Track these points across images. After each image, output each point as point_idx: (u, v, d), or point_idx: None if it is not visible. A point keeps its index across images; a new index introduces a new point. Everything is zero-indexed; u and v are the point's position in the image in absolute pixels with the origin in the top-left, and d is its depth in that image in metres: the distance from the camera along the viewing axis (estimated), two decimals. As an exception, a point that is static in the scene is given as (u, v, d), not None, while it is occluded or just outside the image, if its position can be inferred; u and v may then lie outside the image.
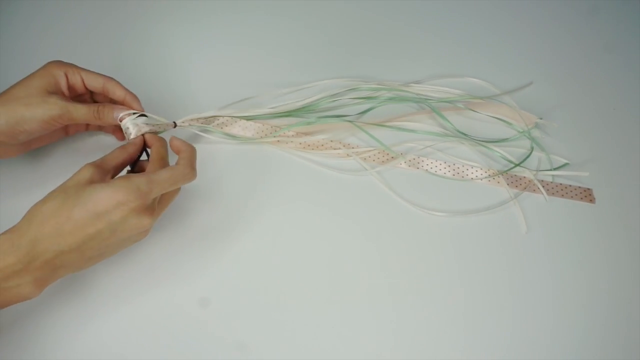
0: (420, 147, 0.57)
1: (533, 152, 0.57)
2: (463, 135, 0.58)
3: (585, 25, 0.72)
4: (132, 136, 0.45)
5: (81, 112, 0.44)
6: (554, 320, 0.46)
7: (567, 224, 0.52)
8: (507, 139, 0.58)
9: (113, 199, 0.38)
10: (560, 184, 0.55)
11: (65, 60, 0.46)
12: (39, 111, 0.43)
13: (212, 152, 0.54)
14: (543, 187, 0.54)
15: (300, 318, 0.45)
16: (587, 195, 0.54)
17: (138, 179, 0.39)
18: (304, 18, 0.69)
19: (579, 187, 0.55)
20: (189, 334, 0.43)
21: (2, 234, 0.37)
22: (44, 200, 0.38)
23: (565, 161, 0.56)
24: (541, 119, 0.59)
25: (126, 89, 0.47)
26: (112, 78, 0.47)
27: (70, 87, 0.46)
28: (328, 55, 0.65)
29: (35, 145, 0.48)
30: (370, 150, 0.55)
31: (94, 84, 0.47)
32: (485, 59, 0.66)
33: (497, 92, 0.63)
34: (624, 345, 0.46)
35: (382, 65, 0.64)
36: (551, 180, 0.55)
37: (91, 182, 0.39)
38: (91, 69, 0.47)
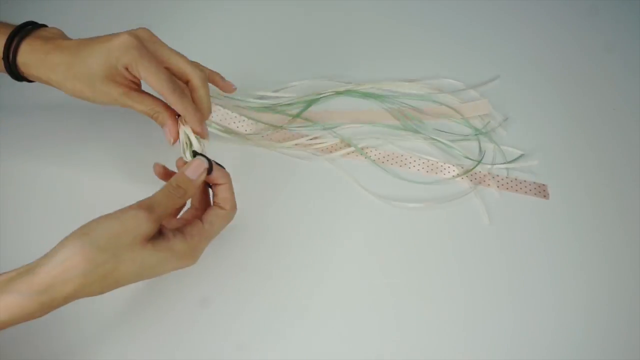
0: (378, 140, 0.56)
1: (495, 148, 0.56)
2: (418, 132, 0.57)
3: (585, 25, 0.71)
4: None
5: (141, 106, 0.43)
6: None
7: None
8: (461, 134, 0.58)
9: (169, 267, 0.38)
10: (516, 178, 0.54)
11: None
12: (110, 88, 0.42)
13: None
14: (497, 181, 0.54)
15: (300, 317, 0.44)
16: (541, 190, 0.54)
17: (196, 245, 0.38)
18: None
19: (534, 182, 0.54)
20: (189, 333, 0.43)
21: (23, 281, 0.33)
22: (87, 255, 0.33)
23: (520, 152, 0.56)
24: (506, 119, 0.59)
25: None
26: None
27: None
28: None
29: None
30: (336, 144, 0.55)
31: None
32: (485, 58, 0.66)
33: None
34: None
35: (382, 64, 0.64)
36: (506, 174, 0.55)
37: (147, 238, 0.36)
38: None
